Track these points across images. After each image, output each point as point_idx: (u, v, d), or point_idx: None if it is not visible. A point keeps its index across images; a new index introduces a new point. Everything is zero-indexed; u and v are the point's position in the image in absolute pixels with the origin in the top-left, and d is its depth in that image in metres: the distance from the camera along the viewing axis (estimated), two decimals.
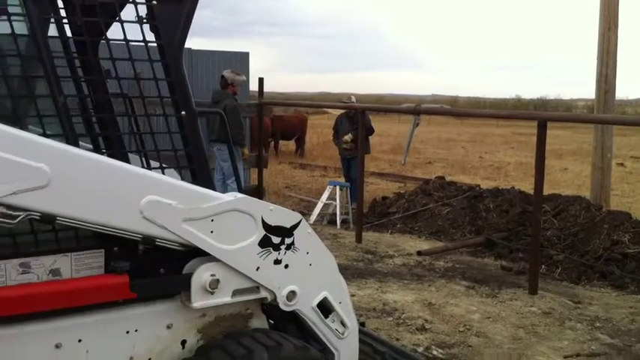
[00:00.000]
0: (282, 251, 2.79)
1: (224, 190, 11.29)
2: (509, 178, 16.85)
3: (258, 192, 11.15)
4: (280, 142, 22.57)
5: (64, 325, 2.42)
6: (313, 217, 10.41)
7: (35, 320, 2.36)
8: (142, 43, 2.67)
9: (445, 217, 9.96)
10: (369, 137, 11.66)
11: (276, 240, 2.76)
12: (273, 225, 2.74)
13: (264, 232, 2.72)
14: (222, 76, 10.05)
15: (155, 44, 2.69)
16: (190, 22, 2.76)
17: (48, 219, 2.27)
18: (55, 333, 2.41)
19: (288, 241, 2.80)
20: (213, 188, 2.73)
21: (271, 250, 2.75)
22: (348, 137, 11.60)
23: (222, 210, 2.62)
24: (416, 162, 20.02)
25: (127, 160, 2.63)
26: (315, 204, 10.93)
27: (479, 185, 11.80)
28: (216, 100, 9.95)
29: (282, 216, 2.79)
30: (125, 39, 2.62)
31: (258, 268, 2.73)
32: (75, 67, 2.71)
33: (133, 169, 2.47)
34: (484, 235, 9.07)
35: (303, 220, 2.86)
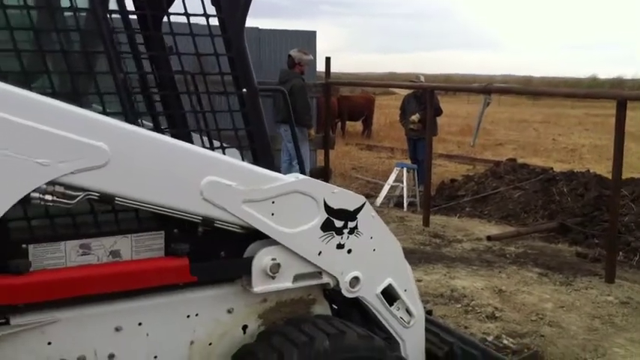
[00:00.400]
0: (345, 235, 2.69)
1: (290, 171, 11.34)
2: (584, 160, 16.27)
3: (324, 173, 11.08)
4: (347, 122, 22.41)
5: (124, 308, 2.40)
6: (380, 199, 10.27)
7: (95, 302, 2.34)
8: (204, 19, 2.60)
9: (516, 200, 9.67)
10: (437, 118, 11.40)
11: (338, 223, 2.66)
12: (335, 208, 2.65)
13: (327, 215, 2.63)
14: (290, 56, 9.99)
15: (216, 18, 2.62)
16: None
17: (107, 199, 2.23)
18: (115, 316, 2.38)
19: (351, 224, 2.70)
20: (275, 169, 2.64)
21: (334, 234, 2.66)
22: (415, 117, 11.36)
23: (284, 192, 2.53)
24: (486, 144, 19.55)
25: (190, 140, 2.57)
26: (382, 186, 10.79)
27: (552, 168, 11.40)
28: (283, 79, 9.89)
29: (345, 199, 2.69)
30: (186, 13, 2.55)
31: (320, 253, 2.64)
32: (135, 44, 2.65)
33: (192, 148, 2.41)
34: (558, 220, 8.75)
35: (367, 204, 2.75)
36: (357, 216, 2.72)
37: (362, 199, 2.75)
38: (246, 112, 2.69)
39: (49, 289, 2.20)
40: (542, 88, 21.63)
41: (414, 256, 6.96)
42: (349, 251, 2.71)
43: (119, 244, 2.37)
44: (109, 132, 2.19)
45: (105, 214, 2.35)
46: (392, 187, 10.49)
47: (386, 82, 19.62)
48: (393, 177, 10.49)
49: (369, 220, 2.76)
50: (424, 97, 10.22)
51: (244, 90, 2.67)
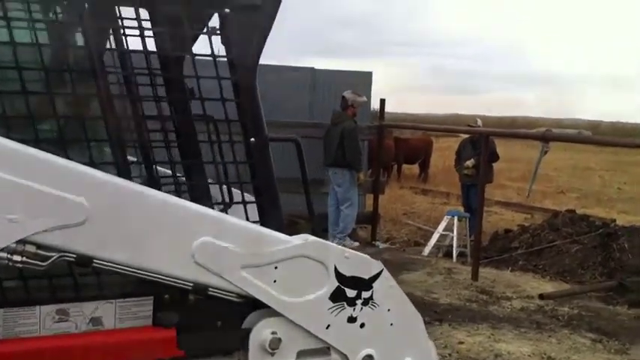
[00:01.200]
0: (358, 307, 2.39)
1: (337, 215, 10.87)
2: None
3: (372, 219, 10.79)
4: (404, 165, 22.10)
5: None
6: (428, 248, 9.94)
7: None
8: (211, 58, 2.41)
9: (573, 255, 9.20)
10: (493, 164, 11.00)
11: (351, 293, 2.37)
12: (348, 275, 2.36)
13: (337, 284, 2.34)
14: (343, 97, 9.92)
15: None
16: (268, 33, 2.46)
17: (84, 261, 1.99)
18: None
19: (365, 295, 2.40)
20: (282, 229, 2.37)
21: (345, 305, 2.36)
22: (469, 163, 11.00)
23: (289, 256, 2.26)
24: (547, 191, 18.91)
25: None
26: (433, 234, 10.39)
27: (614, 220, 10.81)
28: (335, 121, 9.82)
29: (359, 265, 2.40)
30: (191, 53, 2.38)
31: (328, 327, 2.34)
32: (136, 86, 2.46)
33: (184, 204, 2.17)
34: (617, 278, 8.30)
35: (385, 271, 2.46)
36: (373, 285, 2.42)
37: (379, 265, 2.46)
38: (253, 164, 2.46)
39: None
40: (604, 137, 20.77)
41: (458, 314, 6.60)
42: (362, 325, 2.40)
43: (101, 310, 2.14)
44: (89, 185, 1.96)
45: (86, 277, 2.12)
46: (441, 236, 10.13)
47: (438, 127, 19.21)
48: (443, 225, 10.13)
49: (386, 289, 2.46)
50: (480, 142, 9.89)
51: (252, 139, 2.45)
